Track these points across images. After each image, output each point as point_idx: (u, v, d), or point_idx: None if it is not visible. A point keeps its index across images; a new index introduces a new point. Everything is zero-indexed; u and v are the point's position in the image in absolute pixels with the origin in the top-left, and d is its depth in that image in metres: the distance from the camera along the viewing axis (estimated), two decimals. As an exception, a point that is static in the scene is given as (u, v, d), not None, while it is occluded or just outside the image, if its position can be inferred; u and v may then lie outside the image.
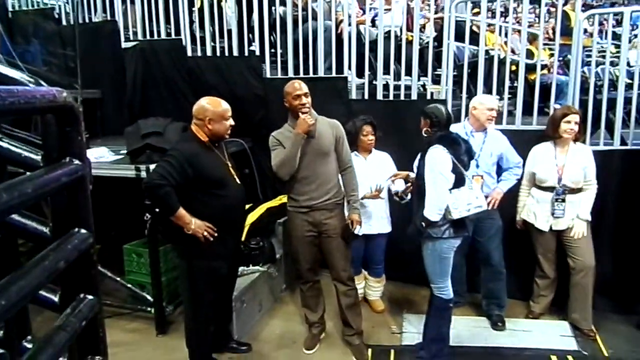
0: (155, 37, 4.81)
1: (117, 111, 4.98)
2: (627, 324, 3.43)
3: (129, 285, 3.61)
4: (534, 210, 3.37)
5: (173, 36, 4.74)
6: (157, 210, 3.20)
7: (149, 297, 3.51)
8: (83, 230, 1.05)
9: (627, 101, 3.59)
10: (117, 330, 3.44)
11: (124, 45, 4.87)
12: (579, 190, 3.25)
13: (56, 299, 1.16)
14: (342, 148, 3.05)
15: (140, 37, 4.85)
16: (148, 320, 3.53)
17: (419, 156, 2.99)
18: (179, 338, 3.12)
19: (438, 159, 2.76)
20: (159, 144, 3.35)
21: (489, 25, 4.66)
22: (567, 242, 3.30)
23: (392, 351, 3.21)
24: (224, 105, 2.73)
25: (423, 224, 2.79)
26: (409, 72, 4.01)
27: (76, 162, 1.03)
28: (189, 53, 4.63)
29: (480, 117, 3.31)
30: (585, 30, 4.14)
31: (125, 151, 3.55)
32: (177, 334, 3.33)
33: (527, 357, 3.12)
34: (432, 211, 2.76)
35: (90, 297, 1.06)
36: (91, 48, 4.83)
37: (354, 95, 4.18)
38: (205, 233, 2.64)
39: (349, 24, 4.11)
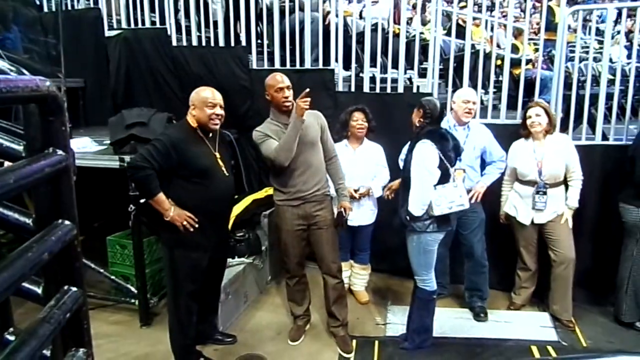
0: (140, 25, 4.74)
1: (100, 101, 4.92)
2: (605, 315, 3.51)
3: (113, 277, 3.59)
4: (516, 204, 3.42)
5: (158, 25, 4.68)
6: (141, 201, 3.18)
7: (132, 289, 3.49)
8: (67, 222, 1.03)
9: (609, 97, 3.65)
10: (100, 322, 3.41)
11: (107, 33, 4.80)
12: (560, 184, 3.31)
13: (39, 290, 1.15)
14: (327, 137, 3.06)
15: (124, 25, 4.77)
16: (132, 312, 3.51)
17: (406, 148, 3.00)
18: (163, 330, 3.11)
19: (426, 154, 2.77)
20: (144, 134, 3.31)
21: (475, 19, 4.69)
22: (548, 236, 3.36)
23: (377, 342, 3.25)
24: (211, 93, 2.69)
25: (407, 217, 2.82)
26: (395, 65, 4.02)
27: (60, 152, 1.01)
28: (174, 43, 4.57)
29: (458, 111, 3.35)
30: (570, 27, 4.18)
31: (109, 142, 3.51)
32: (161, 325, 3.31)
33: (508, 348, 3.18)
34: (416, 206, 2.79)
35: (74, 289, 1.05)
36: (74, 36, 4.75)
37: (340, 87, 4.18)
38: (185, 223, 2.62)
39: (336, 16, 4.10)
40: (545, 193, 3.27)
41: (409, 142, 2.98)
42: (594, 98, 3.66)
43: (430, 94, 3.76)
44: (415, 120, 2.89)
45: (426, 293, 3.00)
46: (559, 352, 3.11)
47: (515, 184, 3.44)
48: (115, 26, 4.83)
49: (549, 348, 3.17)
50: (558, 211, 3.30)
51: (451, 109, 3.44)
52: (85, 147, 3.60)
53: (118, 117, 3.50)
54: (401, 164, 3.27)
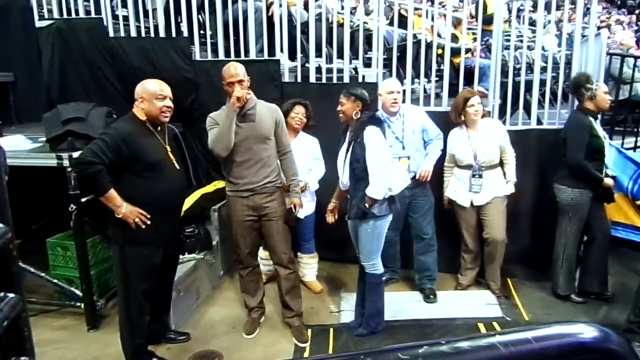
0: (73, 15, 4.49)
1: (33, 96, 4.64)
2: (544, 290, 3.72)
3: (55, 281, 3.42)
4: (456, 188, 3.58)
5: (93, 15, 4.45)
6: (83, 200, 3.05)
7: (77, 292, 3.34)
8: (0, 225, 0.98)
9: (542, 83, 3.85)
10: (44, 329, 3.26)
11: (38, 24, 4.52)
12: (496, 166, 3.49)
13: (-28, 299, 1.08)
14: (282, 132, 3.05)
15: (56, 15, 4.51)
16: (78, 316, 3.37)
17: (346, 145, 2.97)
18: (112, 332, 3.01)
19: (378, 137, 2.84)
20: (82, 130, 3.17)
21: (416, 9, 4.79)
22: (482, 217, 3.56)
23: (331, 330, 3.30)
24: (159, 85, 2.63)
25: (367, 204, 2.85)
26: (340, 55, 4.05)
27: (-12, 152, 0.96)
28: (111, 34, 4.37)
29: (385, 102, 3.42)
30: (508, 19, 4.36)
31: (44, 139, 3.33)
32: (110, 328, 3.21)
33: (457, 326, 3.31)
34: (379, 189, 2.82)
35: (11, 295, 1.00)
36: (0, 27, 4.44)
37: (286, 78, 4.17)
38: (137, 219, 2.55)
39: (280, 6, 4.07)
40: (481, 176, 3.44)
41: (348, 137, 2.95)
42: (529, 85, 3.85)
43: (376, 84, 3.82)
44: (351, 112, 2.90)
45: (376, 277, 3.07)
46: (504, 327, 3.28)
47: (455, 169, 3.59)
48: (46, 16, 4.55)
49: (495, 324, 3.33)
50: (495, 193, 3.47)
51: (382, 103, 3.50)
52: (18, 145, 3.40)
53: (53, 112, 3.33)
54: (348, 155, 3.10)
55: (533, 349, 0.76)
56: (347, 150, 2.94)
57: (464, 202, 3.55)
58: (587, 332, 0.82)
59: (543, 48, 4.06)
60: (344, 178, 3.03)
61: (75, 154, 2.95)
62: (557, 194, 3.47)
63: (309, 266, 3.87)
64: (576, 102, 3.60)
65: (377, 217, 2.90)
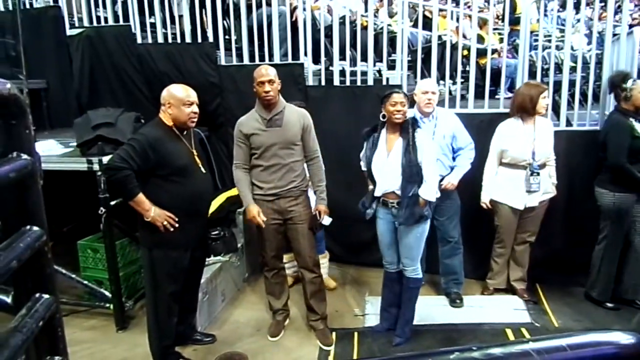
0: (103, 23, 4.61)
1: (64, 102, 4.78)
2: (574, 295, 3.64)
3: (86, 282, 3.50)
4: (508, 189, 3.39)
5: (121, 22, 4.56)
6: (112, 203, 3.12)
7: (107, 293, 3.42)
8: (35, 228, 1.00)
9: (572, 84, 3.75)
10: (75, 329, 3.34)
11: (69, 32, 4.65)
12: (544, 166, 3.39)
13: (9, 300, 1.11)
14: (309, 137, 3.05)
15: (86, 23, 4.63)
16: (107, 317, 3.45)
17: (400, 148, 2.82)
18: (140, 333, 3.07)
19: (429, 138, 2.85)
20: (111, 135, 3.25)
21: (441, 10, 4.74)
22: (524, 218, 3.47)
23: (356, 333, 3.28)
24: (185, 91, 2.67)
25: (422, 207, 2.80)
26: (364, 58, 4.04)
27: (24, 156, 0.98)
28: (139, 40, 4.47)
29: (419, 102, 3.38)
30: (537, 19, 4.28)
31: (75, 143, 3.42)
32: (138, 329, 3.27)
33: (484, 332, 3.25)
34: (434, 191, 2.81)
35: (46, 296, 1.02)
36: (33, 36, 4.59)
37: (310, 81, 4.17)
38: (165, 222, 2.60)
39: (304, 10, 4.08)
40: (538, 174, 3.32)
41: (401, 141, 2.81)
42: (557, 85, 3.76)
43: (400, 86, 3.80)
44: (404, 111, 2.78)
45: (418, 281, 3.04)
46: (532, 333, 3.21)
47: (502, 168, 3.42)
48: (76, 24, 4.68)
49: (523, 330, 3.26)
50: (546, 193, 3.40)
51: (414, 102, 3.46)
52: (51, 150, 3.50)
53: (83, 118, 3.42)
54: (401, 158, 2.82)
55: (567, 358, 0.74)
56: (404, 153, 2.77)
57: (518, 205, 3.38)
58: (624, 340, 0.80)
59: (572, 48, 3.96)
60: (389, 184, 2.85)
61: (105, 159, 3.02)
62: (598, 197, 3.34)
63: (322, 266, 3.85)
64: (612, 102, 3.50)
65: (427, 219, 2.88)
